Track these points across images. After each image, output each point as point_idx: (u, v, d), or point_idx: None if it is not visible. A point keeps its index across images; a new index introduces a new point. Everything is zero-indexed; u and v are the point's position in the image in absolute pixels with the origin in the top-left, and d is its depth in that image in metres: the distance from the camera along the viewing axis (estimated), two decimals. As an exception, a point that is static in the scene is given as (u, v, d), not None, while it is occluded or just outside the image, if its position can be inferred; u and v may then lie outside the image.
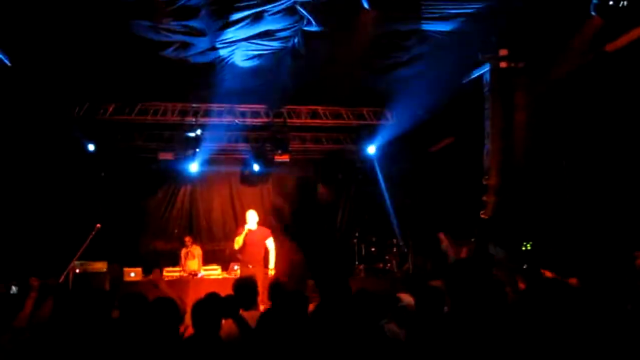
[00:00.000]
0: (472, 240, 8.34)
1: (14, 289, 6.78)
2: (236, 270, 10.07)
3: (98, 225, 8.94)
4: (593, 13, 5.67)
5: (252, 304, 4.60)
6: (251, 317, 4.25)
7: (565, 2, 6.53)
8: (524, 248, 8.93)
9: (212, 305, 3.80)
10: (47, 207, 10.57)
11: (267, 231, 9.69)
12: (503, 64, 8.12)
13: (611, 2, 5.36)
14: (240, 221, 10.65)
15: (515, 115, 8.16)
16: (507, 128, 8.20)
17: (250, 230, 9.38)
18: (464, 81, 8.89)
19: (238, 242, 9.40)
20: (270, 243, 9.51)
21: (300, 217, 12.83)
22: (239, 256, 9.75)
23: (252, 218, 9.51)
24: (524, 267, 7.81)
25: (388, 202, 12.83)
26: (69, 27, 7.42)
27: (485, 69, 8.40)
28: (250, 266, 9.25)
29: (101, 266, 9.70)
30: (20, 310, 3.95)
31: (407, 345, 3.01)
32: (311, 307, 3.93)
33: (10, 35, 7.41)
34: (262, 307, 4.78)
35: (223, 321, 4.04)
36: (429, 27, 7.61)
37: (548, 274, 6.77)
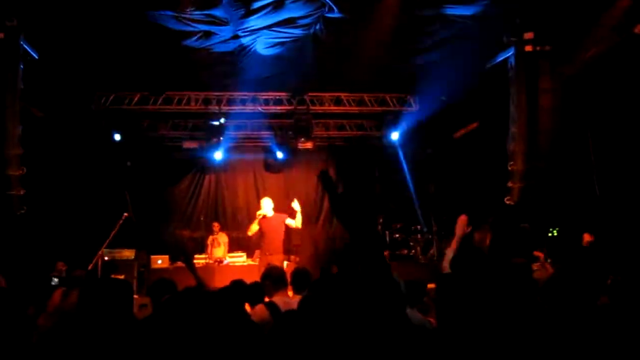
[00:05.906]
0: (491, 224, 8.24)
1: (55, 280, 6.87)
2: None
3: (125, 214, 9.08)
4: (621, -6, 5.54)
5: (281, 289, 4.63)
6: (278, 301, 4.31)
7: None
8: (550, 234, 8.85)
9: (237, 292, 3.86)
10: (75, 197, 10.74)
11: (285, 216, 9.19)
12: (528, 48, 7.97)
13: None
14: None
15: (541, 99, 8.02)
16: (533, 112, 8.07)
17: (265, 217, 9.25)
18: (488, 65, 8.75)
19: (252, 229, 9.30)
20: (290, 220, 9.00)
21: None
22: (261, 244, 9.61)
23: (267, 205, 9.16)
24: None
25: (412, 188, 12.77)
26: (94, 20, 7.52)
27: (510, 52, 8.26)
28: (269, 254, 8.98)
29: (129, 254, 9.94)
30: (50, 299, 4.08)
31: (436, 334, 3.01)
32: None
33: (38, 29, 7.53)
34: (289, 293, 4.82)
35: (250, 308, 4.10)
36: (452, 11, 7.51)
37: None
